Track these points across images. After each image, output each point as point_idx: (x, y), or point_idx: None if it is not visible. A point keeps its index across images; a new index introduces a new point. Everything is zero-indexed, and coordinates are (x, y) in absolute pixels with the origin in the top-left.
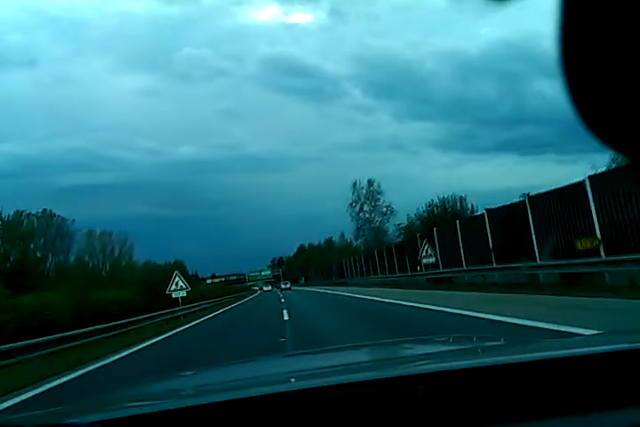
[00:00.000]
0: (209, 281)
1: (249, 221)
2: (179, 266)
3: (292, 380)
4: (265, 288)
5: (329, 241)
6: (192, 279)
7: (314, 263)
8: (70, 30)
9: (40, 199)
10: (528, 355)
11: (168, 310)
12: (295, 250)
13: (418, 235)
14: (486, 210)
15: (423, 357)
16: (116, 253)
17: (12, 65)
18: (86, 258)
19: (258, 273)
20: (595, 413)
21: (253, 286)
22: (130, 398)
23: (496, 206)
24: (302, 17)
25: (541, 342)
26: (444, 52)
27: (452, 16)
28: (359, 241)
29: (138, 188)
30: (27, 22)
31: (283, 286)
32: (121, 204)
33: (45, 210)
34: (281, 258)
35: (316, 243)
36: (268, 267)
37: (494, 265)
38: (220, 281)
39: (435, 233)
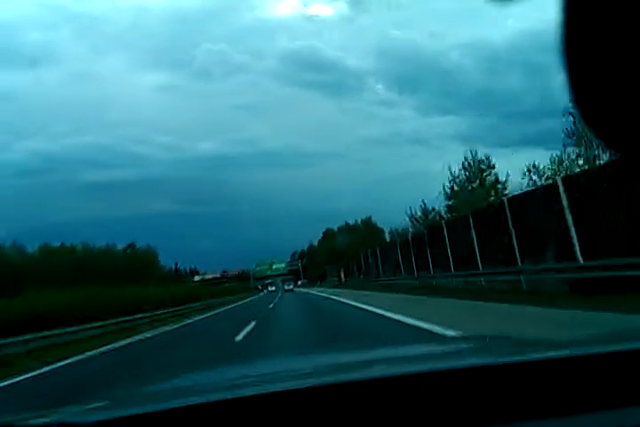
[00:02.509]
0: (197, 278)
1: (268, 217)
2: (134, 254)
3: (293, 379)
4: (270, 288)
5: (367, 221)
6: (169, 276)
7: (354, 249)
8: (90, 27)
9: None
10: (529, 355)
11: None
12: (315, 242)
13: None
14: None
15: (425, 356)
16: None
17: (33, 63)
18: None
19: (267, 267)
20: (595, 413)
21: (271, 284)
22: (131, 396)
23: None
24: (323, 8)
25: (544, 341)
26: (469, 44)
27: (477, 5)
28: None
29: (157, 184)
30: (46, 19)
31: (286, 287)
32: (140, 200)
33: None
34: (302, 251)
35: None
36: (289, 263)
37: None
38: (214, 277)
39: None
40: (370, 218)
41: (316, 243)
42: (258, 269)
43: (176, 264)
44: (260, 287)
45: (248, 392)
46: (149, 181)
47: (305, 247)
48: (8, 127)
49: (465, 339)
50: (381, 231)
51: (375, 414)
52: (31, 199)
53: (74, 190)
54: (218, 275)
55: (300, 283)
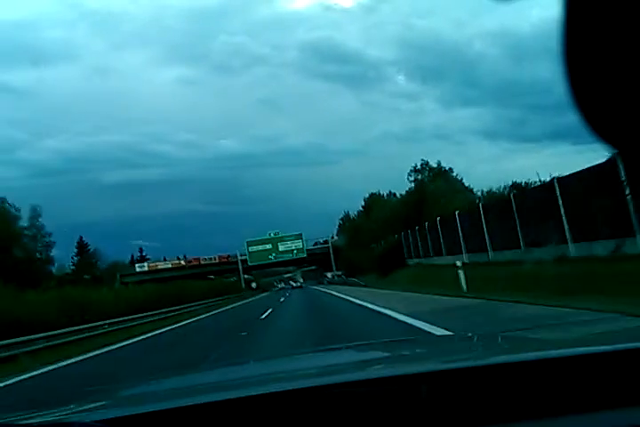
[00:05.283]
0: (140, 268)
1: (284, 215)
2: None
3: (295, 378)
4: (279, 286)
5: (447, 173)
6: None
7: (449, 208)
8: (108, 23)
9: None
10: (530, 354)
11: None
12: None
13: None
14: None
15: (426, 355)
16: None
17: (53, 61)
18: None
19: (270, 247)
20: (595, 413)
21: (290, 281)
22: (133, 396)
23: None
24: None
25: (544, 341)
26: (494, 32)
27: None
28: None
29: (180, 183)
30: (65, 16)
31: (293, 285)
32: (163, 200)
33: None
34: (326, 241)
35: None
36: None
37: None
38: (175, 266)
39: None
40: (451, 169)
41: (353, 216)
42: (253, 250)
43: (141, 250)
44: (254, 286)
45: (247, 393)
46: (173, 181)
47: (334, 232)
48: (28, 126)
49: (460, 338)
50: (468, 191)
51: (374, 415)
52: (51, 200)
53: (96, 190)
54: (182, 262)
55: (330, 276)
